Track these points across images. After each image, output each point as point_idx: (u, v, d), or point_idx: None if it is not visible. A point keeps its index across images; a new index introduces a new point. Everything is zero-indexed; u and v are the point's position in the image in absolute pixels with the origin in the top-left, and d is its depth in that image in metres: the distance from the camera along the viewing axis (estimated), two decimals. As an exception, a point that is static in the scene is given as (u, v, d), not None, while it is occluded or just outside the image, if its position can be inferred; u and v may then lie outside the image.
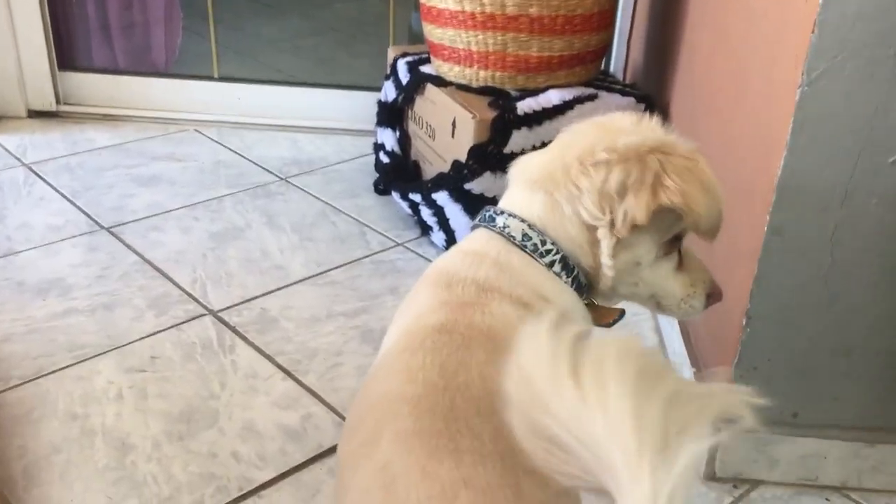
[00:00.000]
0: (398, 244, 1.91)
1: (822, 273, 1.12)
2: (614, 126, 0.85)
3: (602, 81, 1.86)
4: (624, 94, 1.78)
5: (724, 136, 1.34)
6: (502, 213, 0.85)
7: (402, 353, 0.75)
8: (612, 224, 0.81)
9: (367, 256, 1.85)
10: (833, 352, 1.17)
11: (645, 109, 1.75)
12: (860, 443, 1.22)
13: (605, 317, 0.90)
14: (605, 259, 0.83)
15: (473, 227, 0.89)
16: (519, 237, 0.83)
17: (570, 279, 0.84)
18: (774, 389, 1.21)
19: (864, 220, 1.08)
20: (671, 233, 0.85)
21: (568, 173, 0.82)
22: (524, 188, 0.86)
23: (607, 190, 0.80)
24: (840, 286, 1.12)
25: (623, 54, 2.24)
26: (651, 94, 1.81)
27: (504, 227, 0.84)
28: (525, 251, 0.83)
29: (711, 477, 1.26)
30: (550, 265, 0.83)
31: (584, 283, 0.86)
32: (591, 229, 0.83)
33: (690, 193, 0.79)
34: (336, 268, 1.80)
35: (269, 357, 1.50)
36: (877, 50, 0.98)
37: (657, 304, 0.90)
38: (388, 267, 1.82)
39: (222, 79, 2.56)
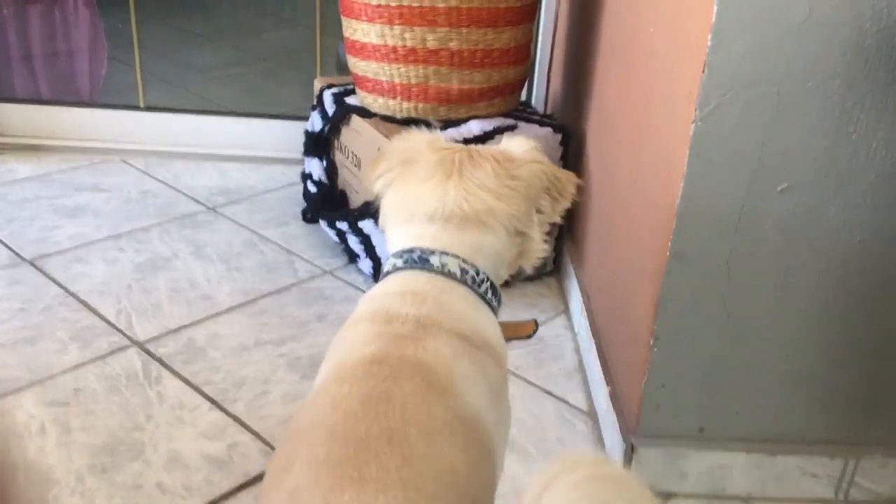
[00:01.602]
0: (326, 272, 1.94)
1: (720, 295, 1.19)
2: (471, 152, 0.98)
3: (521, 112, 1.93)
4: (542, 124, 1.85)
5: (632, 166, 1.41)
6: (433, 252, 0.90)
7: (332, 384, 0.78)
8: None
9: (295, 284, 1.88)
10: (734, 369, 1.25)
11: (561, 140, 1.83)
12: (762, 454, 1.30)
13: (523, 330, 1.02)
14: (539, 242, 0.98)
15: (393, 271, 0.92)
16: (458, 273, 0.90)
17: (496, 301, 0.94)
18: (682, 405, 1.27)
19: (757, 245, 1.16)
20: None
21: (505, 202, 0.94)
22: (444, 225, 0.92)
23: (533, 199, 0.98)
24: (737, 308, 1.20)
25: (544, 86, 2.32)
26: (568, 125, 1.88)
27: (443, 266, 0.90)
28: (466, 285, 0.90)
29: (626, 491, 1.32)
30: (485, 293, 0.91)
31: (500, 303, 0.95)
32: (519, 235, 0.96)
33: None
34: (264, 296, 1.82)
35: (195, 387, 1.51)
36: (762, 87, 1.07)
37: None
38: (316, 294, 1.84)
39: (148, 108, 2.56)
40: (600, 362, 1.50)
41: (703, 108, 1.08)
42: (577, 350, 1.69)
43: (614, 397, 1.40)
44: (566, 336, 1.74)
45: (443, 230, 0.92)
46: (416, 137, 1.01)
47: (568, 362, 1.66)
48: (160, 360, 1.58)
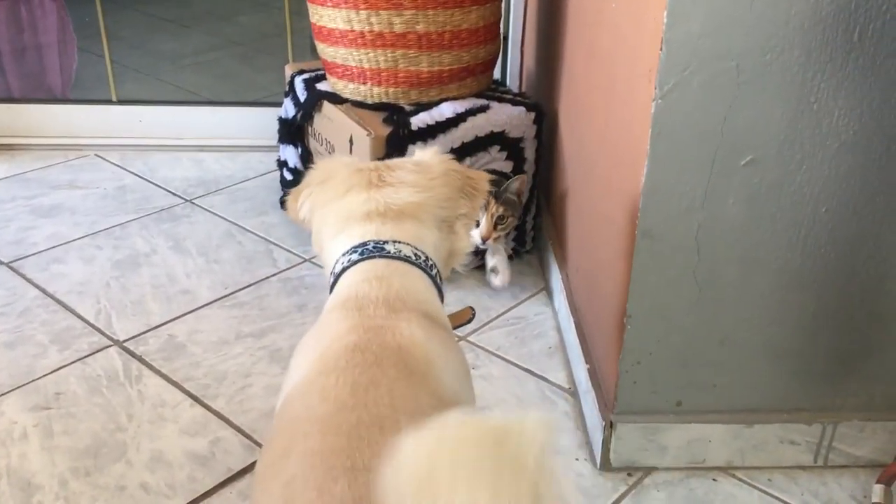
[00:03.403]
0: (305, 260, 1.93)
1: (690, 271, 1.19)
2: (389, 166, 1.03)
3: (494, 92, 1.91)
4: (515, 103, 1.83)
5: (601, 145, 1.41)
6: (386, 242, 0.94)
7: (319, 376, 0.80)
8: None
9: (275, 275, 1.88)
10: (708, 343, 1.25)
11: (535, 118, 1.82)
12: (740, 425, 1.31)
13: (463, 316, 1.08)
14: (465, 238, 1.04)
15: (350, 266, 0.94)
16: (413, 257, 0.94)
17: (441, 286, 0.98)
18: (658, 381, 1.28)
19: (723, 219, 1.16)
20: None
21: (429, 193, 1.00)
22: (383, 220, 0.97)
23: (452, 193, 1.03)
24: (707, 282, 1.20)
25: (518, 63, 2.30)
26: (541, 103, 1.87)
27: (398, 251, 0.94)
28: (420, 268, 0.94)
29: (606, 467, 1.33)
30: (435, 277, 0.96)
31: (443, 296, 1.00)
32: (449, 230, 1.01)
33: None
34: (243, 288, 1.82)
35: (176, 384, 1.51)
36: (719, 63, 1.06)
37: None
38: (296, 283, 1.84)
39: (122, 101, 2.53)
40: (580, 340, 1.50)
41: (662, 86, 1.07)
42: (558, 328, 1.70)
43: (593, 375, 1.41)
44: (547, 314, 1.75)
45: (383, 225, 0.96)
46: (332, 162, 1.05)
47: (549, 341, 1.66)
48: (140, 359, 1.58)
